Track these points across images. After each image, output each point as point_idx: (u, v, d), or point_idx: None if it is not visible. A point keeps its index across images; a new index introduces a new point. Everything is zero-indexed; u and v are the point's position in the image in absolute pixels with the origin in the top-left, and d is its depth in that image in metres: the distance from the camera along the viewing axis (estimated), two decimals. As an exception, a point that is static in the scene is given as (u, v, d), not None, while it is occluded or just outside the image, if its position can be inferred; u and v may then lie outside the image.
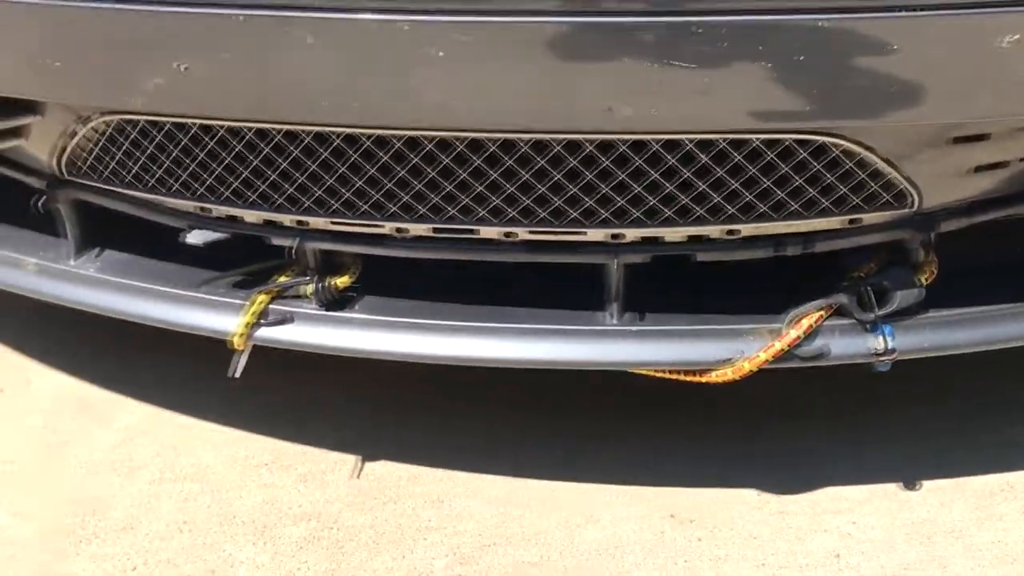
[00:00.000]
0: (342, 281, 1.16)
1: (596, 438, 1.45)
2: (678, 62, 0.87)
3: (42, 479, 1.37)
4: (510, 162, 1.02)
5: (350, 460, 1.41)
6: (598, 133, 0.95)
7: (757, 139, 1.00)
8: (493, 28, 0.87)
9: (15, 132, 1.16)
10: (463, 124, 0.97)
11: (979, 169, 1.07)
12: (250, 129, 1.04)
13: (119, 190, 1.19)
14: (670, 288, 1.20)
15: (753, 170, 1.03)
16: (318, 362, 1.52)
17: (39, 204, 1.22)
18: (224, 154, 1.08)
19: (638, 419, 1.49)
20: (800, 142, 1.01)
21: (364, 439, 1.45)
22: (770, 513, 1.32)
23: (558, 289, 1.20)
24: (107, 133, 1.13)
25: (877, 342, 1.11)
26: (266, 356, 1.27)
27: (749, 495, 1.35)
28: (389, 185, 1.05)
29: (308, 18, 0.89)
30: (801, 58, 0.87)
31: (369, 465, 1.40)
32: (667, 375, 1.16)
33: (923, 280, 1.12)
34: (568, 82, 0.90)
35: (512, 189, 1.05)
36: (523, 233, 1.09)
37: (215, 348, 1.28)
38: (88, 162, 1.19)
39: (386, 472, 1.39)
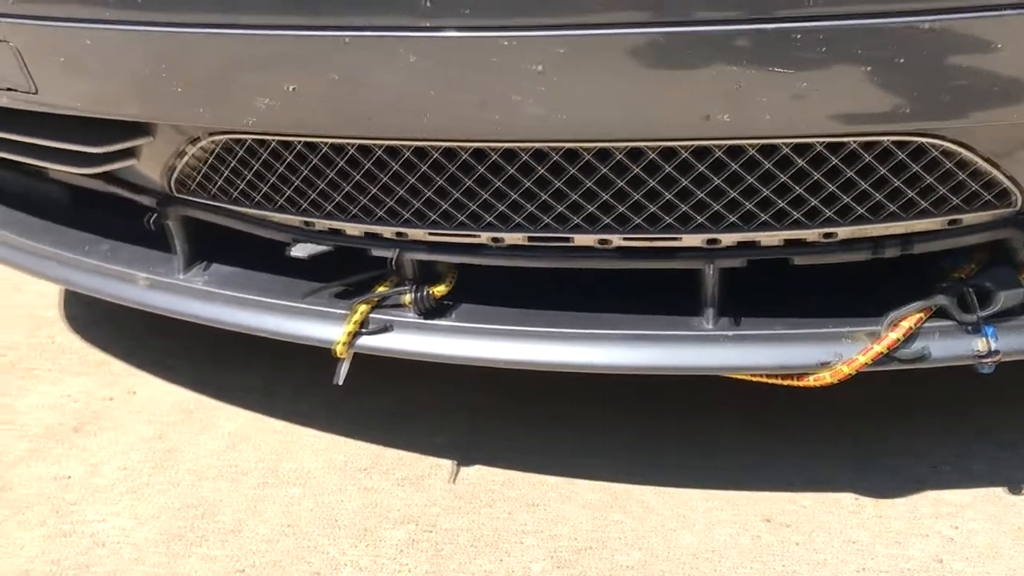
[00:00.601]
0: (439, 290, 1.19)
1: (688, 443, 1.45)
2: (776, 68, 0.87)
3: (155, 484, 1.43)
4: (605, 170, 1.04)
5: (446, 464, 1.44)
6: (695, 140, 0.96)
7: (855, 141, 1.00)
8: (591, 41, 0.89)
9: (128, 153, 1.22)
10: (561, 135, 0.99)
11: (1086, 167, 1.05)
12: (352, 145, 1.08)
13: (226, 206, 1.25)
14: (765, 292, 1.20)
15: (851, 172, 1.02)
16: (410, 369, 1.55)
17: (150, 221, 1.28)
18: (327, 170, 1.12)
19: (730, 423, 1.49)
20: (898, 143, 1.00)
21: (458, 444, 1.48)
22: (868, 517, 1.30)
23: (651, 295, 1.21)
24: (215, 152, 1.18)
25: (979, 344, 1.09)
26: (361, 363, 1.30)
27: (846, 499, 1.33)
28: (486, 196, 1.08)
29: (409, 37, 0.92)
30: (900, 60, 0.87)
31: (464, 469, 1.43)
32: (763, 379, 1.16)
33: (1027, 280, 1.10)
34: (666, 91, 0.91)
35: (607, 197, 1.06)
36: (618, 240, 1.10)
37: (309, 356, 1.32)
38: (196, 180, 1.24)
39: (481, 476, 1.41)
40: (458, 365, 1.23)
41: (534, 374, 1.46)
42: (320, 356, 1.34)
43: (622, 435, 1.47)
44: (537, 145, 1.02)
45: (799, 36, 0.86)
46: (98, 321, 1.87)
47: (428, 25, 0.90)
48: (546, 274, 1.22)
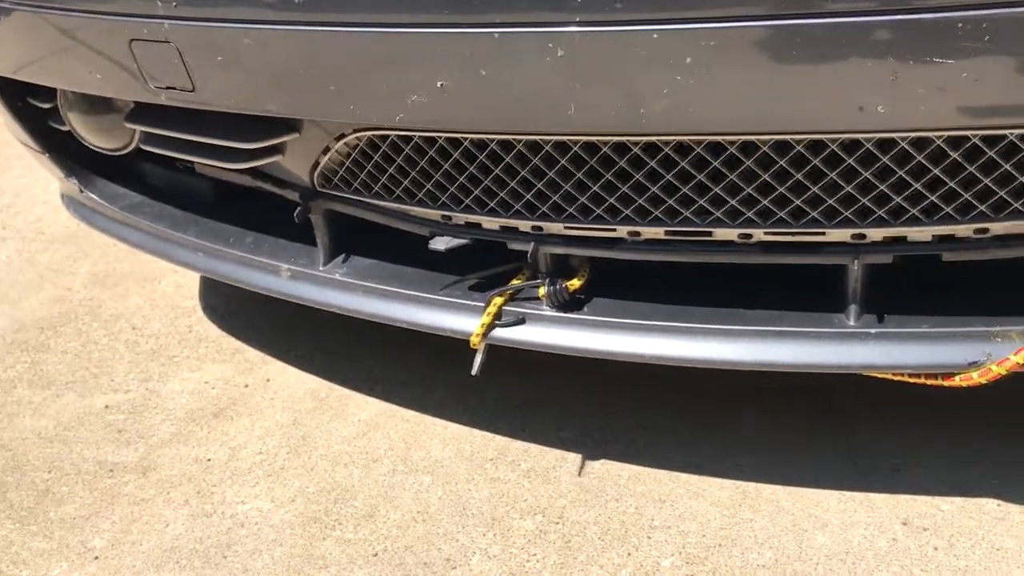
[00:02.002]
0: (573, 284, 1.20)
1: (821, 446, 1.42)
2: (933, 58, 0.85)
3: (291, 469, 1.48)
4: (748, 163, 1.03)
5: (571, 458, 1.45)
6: (848, 133, 0.94)
7: (1012, 134, 0.96)
8: (738, 33, 0.88)
9: (275, 149, 1.27)
10: (706, 128, 0.98)
11: None
12: (493, 140, 1.09)
13: (368, 201, 1.28)
14: (910, 289, 1.17)
15: (1006, 166, 0.99)
16: (536, 364, 1.57)
17: (296, 215, 1.32)
18: (468, 165, 1.14)
19: (861, 424, 1.45)
20: (1057, 135, 0.96)
21: (584, 438, 1.48)
22: (1015, 524, 1.26)
23: (790, 290, 1.19)
24: (359, 148, 1.21)
25: None
26: (489, 357, 1.32)
27: (990, 505, 1.29)
28: (624, 190, 1.08)
29: (558, 32, 0.93)
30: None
31: (590, 463, 1.44)
32: (906, 379, 1.13)
33: None
34: (817, 83, 0.90)
35: (750, 191, 1.05)
36: (759, 234, 1.09)
37: (436, 348, 1.35)
38: (340, 175, 1.28)
39: (607, 471, 1.42)
40: (585, 361, 1.24)
41: (661, 371, 1.46)
42: (447, 348, 1.37)
43: (753, 434, 1.45)
44: (680, 138, 1.01)
45: (961, 25, 0.83)
46: (234, 312, 1.95)
47: (577, 20, 0.91)
48: (680, 269, 1.22)
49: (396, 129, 1.12)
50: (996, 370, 1.08)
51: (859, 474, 1.36)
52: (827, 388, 1.52)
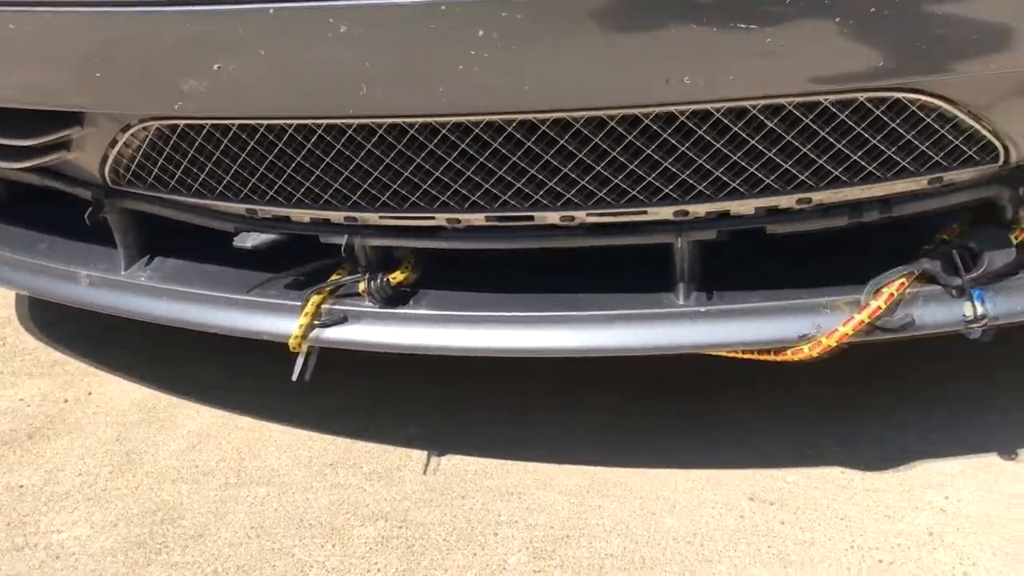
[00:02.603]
0: (397, 277, 1.12)
1: (668, 424, 1.40)
2: (738, 24, 0.81)
3: (114, 490, 1.36)
4: (564, 143, 0.97)
5: (417, 456, 1.38)
6: (656, 106, 0.89)
7: (828, 100, 0.93)
8: (541, 3, 0.82)
9: (59, 145, 1.14)
10: (514, 106, 0.92)
11: (1073, 116, 0.99)
12: (290, 126, 1.00)
13: (165, 196, 1.17)
14: (741, 265, 1.14)
15: (824, 133, 0.96)
16: (380, 359, 1.49)
17: (88, 216, 1.20)
18: (266, 153, 1.05)
19: (710, 400, 1.43)
20: (875, 100, 0.93)
21: (431, 435, 1.42)
22: (858, 492, 1.25)
23: (624, 273, 1.15)
24: (148, 140, 1.10)
25: (967, 308, 1.04)
26: (329, 355, 1.24)
27: (834, 474, 1.28)
28: (438, 174, 1.01)
29: (341, 6, 0.84)
30: (872, 10, 0.80)
31: (437, 460, 1.37)
32: (741, 355, 1.10)
33: (1016, 239, 1.04)
34: (622, 54, 0.84)
35: (567, 171, 0.99)
36: (583, 216, 1.04)
37: (276, 348, 1.26)
38: (132, 170, 1.17)
39: (455, 467, 1.36)
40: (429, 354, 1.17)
41: (511, 358, 1.40)
42: (286, 348, 1.27)
43: (602, 418, 1.41)
44: (488, 118, 0.94)
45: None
46: (54, 321, 1.80)
47: (359, -8, 0.83)
48: (514, 256, 1.15)
49: (181, 118, 1.01)
50: (826, 342, 1.06)
51: (707, 450, 1.34)
52: (674, 366, 1.49)
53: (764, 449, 1.33)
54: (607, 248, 1.11)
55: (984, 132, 0.97)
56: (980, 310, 1.03)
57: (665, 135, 0.95)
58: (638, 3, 0.82)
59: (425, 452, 1.39)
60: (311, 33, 0.85)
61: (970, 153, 1.00)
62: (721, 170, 0.99)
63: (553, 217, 1.04)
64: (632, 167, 0.98)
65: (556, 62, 0.85)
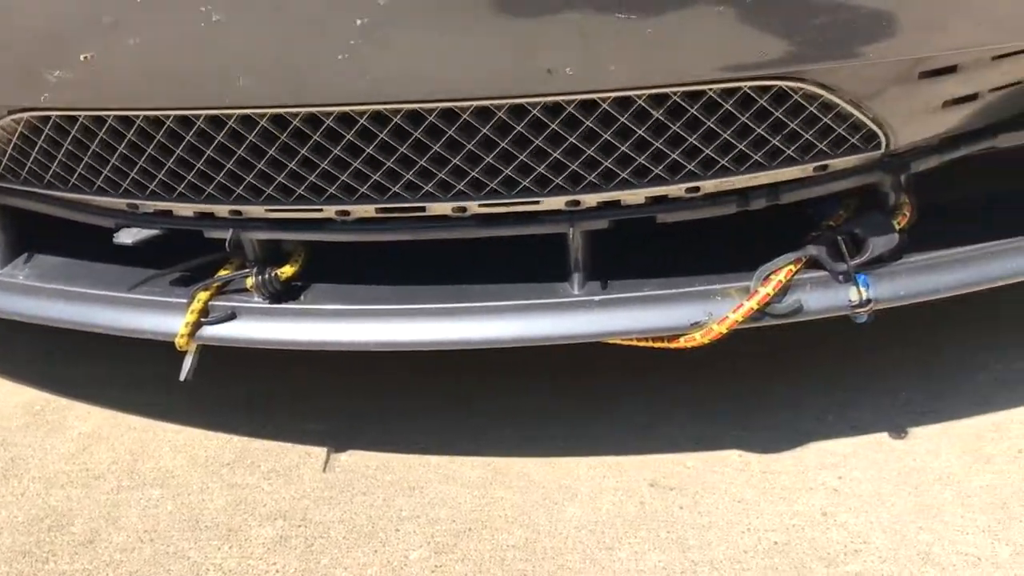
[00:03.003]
0: (287, 271, 1.09)
1: (572, 411, 1.40)
2: (618, 14, 0.80)
3: (-3, 498, 1.31)
4: (452, 133, 0.95)
5: (318, 453, 1.36)
6: (539, 96, 0.88)
7: (711, 90, 0.93)
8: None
9: (-78, 137, 1.08)
10: (399, 96, 0.90)
11: (948, 104, 1.01)
12: (169, 118, 0.96)
13: (42, 191, 1.12)
14: (637, 253, 1.14)
15: (709, 122, 0.96)
16: (280, 354, 1.46)
17: (-44, 212, 1.14)
18: (145, 146, 1.01)
19: (615, 386, 1.44)
20: (758, 89, 0.94)
21: (331, 430, 1.39)
22: (755, 474, 1.27)
23: (520, 262, 1.14)
24: (18, 132, 1.05)
25: (853, 293, 1.06)
26: (223, 352, 1.20)
27: (732, 457, 1.30)
28: (323, 166, 0.99)
29: (215, -7, 0.81)
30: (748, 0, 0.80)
31: (337, 457, 1.35)
32: (636, 343, 1.11)
33: (898, 224, 1.07)
34: (505, 44, 0.83)
35: (457, 162, 0.98)
36: (474, 207, 1.02)
37: (170, 346, 1.22)
38: (3, 164, 1.11)
39: (355, 462, 1.34)
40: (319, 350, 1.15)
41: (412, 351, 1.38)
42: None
43: (506, 406, 1.41)
44: (372, 108, 0.92)
45: (639, -23, 0.78)
46: (-67, 320, 1.71)
47: (231, -22, 0.79)
48: (410, 247, 1.14)
49: (52, 109, 0.97)
50: (717, 329, 1.07)
51: (610, 437, 1.34)
52: (576, 352, 1.50)
53: (666, 434, 1.34)
54: (502, 238, 1.10)
55: (865, 120, 0.99)
56: (865, 295, 1.05)
57: (553, 125, 0.95)
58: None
59: (325, 448, 1.36)
60: (183, 21, 0.81)
61: (853, 141, 1.01)
62: (610, 160, 0.98)
63: (445, 208, 1.02)
64: (522, 157, 0.97)
65: (438, 51, 0.83)
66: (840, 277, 1.06)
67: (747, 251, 1.10)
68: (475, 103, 0.92)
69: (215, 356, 1.23)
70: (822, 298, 1.06)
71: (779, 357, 1.44)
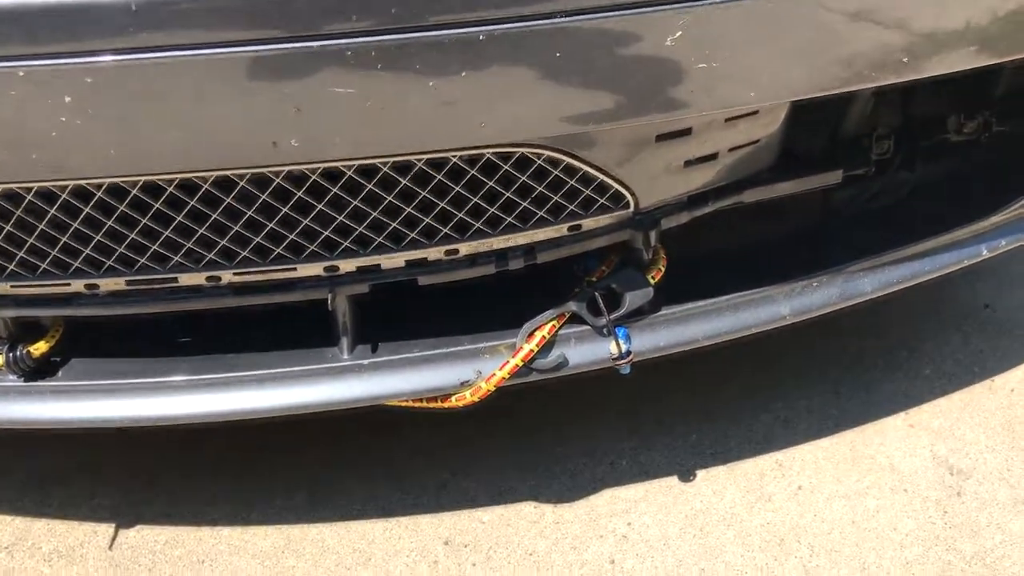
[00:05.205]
0: (40, 347, 1.05)
1: (370, 470, 1.38)
2: (334, 87, 0.81)
3: None
4: (194, 203, 0.94)
5: (103, 529, 1.31)
6: (269, 167, 0.88)
7: (455, 157, 0.95)
8: (117, 69, 0.79)
9: None
10: (131, 169, 0.88)
11: (690, 163, 1.06)
12: None
13: None
14: (410, 314, 1.15)
15: (457, 188, 0.98)
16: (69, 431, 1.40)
17: None
18: None
19: (413, 440, 1.43)
20: (500, 156, 0.97)
21: (118, 506, 1.34)
22: (547, 525, 1.29)
23: (289, 328, 1.13)
24: None
25: (613, 346, 1.09)
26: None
27: (527, 509, 1.32)
28: (65, 240, 0.96)
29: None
30: (463, 73, 0.83)
31: (125, 533, 1.30)
32: (410, 405, 1.11)
33: (652, 279, 1.11)
34: (229, 116, 0.83)
35: (204, 231, 0.97)
36: (228, 276, 1.01)
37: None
38: None
39: (143, 538, 1.29)
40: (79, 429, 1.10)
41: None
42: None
43: (303, 473, 1.38)
44: (106, 180, 0.90)
45: (350, 54, 0.80)
46: None
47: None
48: (175, 318, 1.11)
49: None
50: (485, 387, 1.08)
51: (406, 496, 1.34)
52: (369, 411, 1.49)
53: (463, 489, 1.35)
54: (273, 306, 1.09)
55: (611, 182, 1.02)
56: (624, 347, 1.09)
57: (299, 194, 0.95)
58: (243, 67, 0.81)
59: (113, 524, 1.31)
60: None
61: (602, 201, 1.05)
62: (363, 226, 0.99)
63: (198, 279, 1.00)
64: (271, 226, 0.97)
65: (155, 124, 0.82)
66: (601, 331, 1.09)
67: (520, 308, 1.12)
68: (214, 173, 0.91)
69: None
70: (585, 352, 1.09)
71: (575, 405, 1.47)
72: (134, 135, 0.84)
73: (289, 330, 1.12)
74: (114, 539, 1.29)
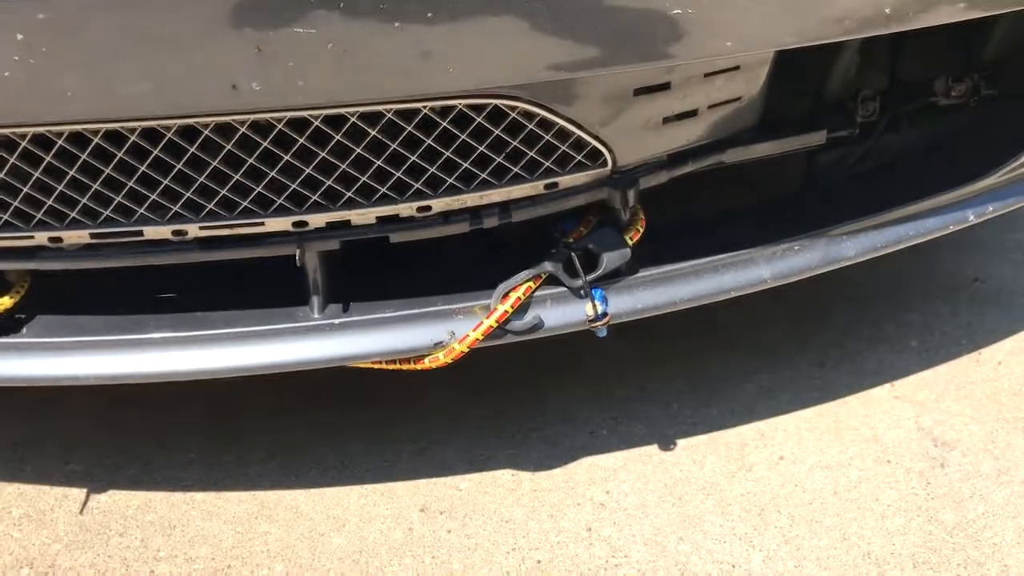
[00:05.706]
0: (3, 303, 1.03)
1: (347, 437, 1.37)
2: (299, 27, 0.79)
3: None
4: (157, 153, 0.92)
5: (75, 493, 1.29)
6: (228, 114, 0.86)
7: (426, 107, 0.93)
8: (85, 4, 0.77)
9: None
10: (93, 115, 0.86)
11: (669, 120, 1.04)
12: None
13: None
14: (383, 273, 1.13)
15: (428, 141, 0.96)
16: (49, 392, 1.38)
17: None
18: None
19: (392, 405, 1.41)
20: (473, 107, 0.94)
21: (94, 468, 1.32)
22: (524, 493, 1.27)
23: (263, 286, 1.11)
24: None
25: (589, 308, 1.07)
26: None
27: (505, 477, 1.30)
28: (26, 190, 0.94)
29: None
30: (429, 14, 0.80)
31: (97, 497, 1.28)
32: (382, 366, 1.09)
33: (630, 240, 1.09)
34: (185, 57, 0.81)
35: (169, 182, 0.94)
36: (194, 230, 0.99)
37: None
38: None
39: (115, 503, 1.27)
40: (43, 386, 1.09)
41: (191, 381, 1.32)
42: None
43: (278, 438, 1.36)
44: (70, 128, 0.88)
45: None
46: None
47: None
48: (143, 273, 1.09)
49: None
50: (458, 348, 1.06)
51: (382, 463, 1.32)
52: (358, 373, 1.47)
53: (440, 457, 1.33)
54: (244, 263, 1.07)
55: (588, 138, 1.00)
56: (600, 309, 1.06)
57: (265, 144, 0.92)
58: (202, 3, 0.79)
59: (84, 488, 1.29)
60: None
61: (579, 158, 1.03)
62: (332, 179, 0.97)
63: (163, 232, 0.98)
64: (237, 177, 0.95)
65: (124, 68, 0.80)
66: (578, 293, 1.07)
67: (496, 269, 1.10)
68: (176, 121, 0.88)
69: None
70: (560, 314, 1.07)
71: (553, 372, 1.45)
72: (89, 77, 0.81)
73: (263, 288, 1.10)
74: (85, 503, 1.27)
